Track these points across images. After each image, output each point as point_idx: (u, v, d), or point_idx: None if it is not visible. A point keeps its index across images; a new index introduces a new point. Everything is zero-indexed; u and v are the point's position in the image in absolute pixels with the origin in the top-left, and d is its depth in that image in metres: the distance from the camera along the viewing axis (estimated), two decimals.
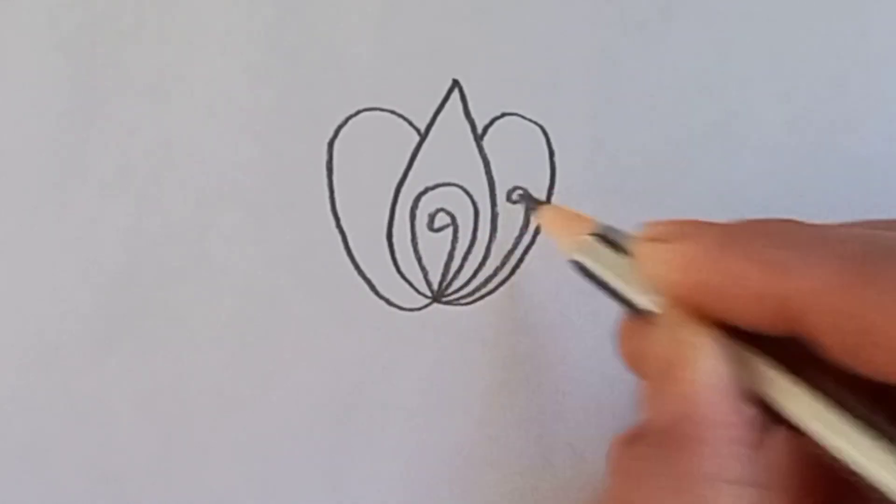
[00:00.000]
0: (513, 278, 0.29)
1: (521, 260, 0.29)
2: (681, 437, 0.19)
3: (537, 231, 0.29)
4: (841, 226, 0.20)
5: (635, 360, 0.22)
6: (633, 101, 0.28)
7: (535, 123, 0.29)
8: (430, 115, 0.29)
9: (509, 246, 0.29)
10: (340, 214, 0.29)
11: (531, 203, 0.28)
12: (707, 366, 0.19)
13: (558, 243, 0.25)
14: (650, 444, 0.20)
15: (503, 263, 0.29)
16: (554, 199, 0.29)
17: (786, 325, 0.19)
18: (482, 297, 0.29)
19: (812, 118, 0.28)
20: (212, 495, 0.30)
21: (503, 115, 0.29)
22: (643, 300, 0.22)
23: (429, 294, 0.29)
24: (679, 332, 0.20)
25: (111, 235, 0.29)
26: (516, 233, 0.29)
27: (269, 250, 0.29)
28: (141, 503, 0.30)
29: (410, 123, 0.29)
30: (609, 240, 0.23)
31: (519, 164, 0.29)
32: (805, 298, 0.18)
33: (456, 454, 0.29)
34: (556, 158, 0.29)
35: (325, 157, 0.29)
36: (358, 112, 0.29)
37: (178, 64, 0.28)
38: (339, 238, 0.29)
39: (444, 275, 0.29)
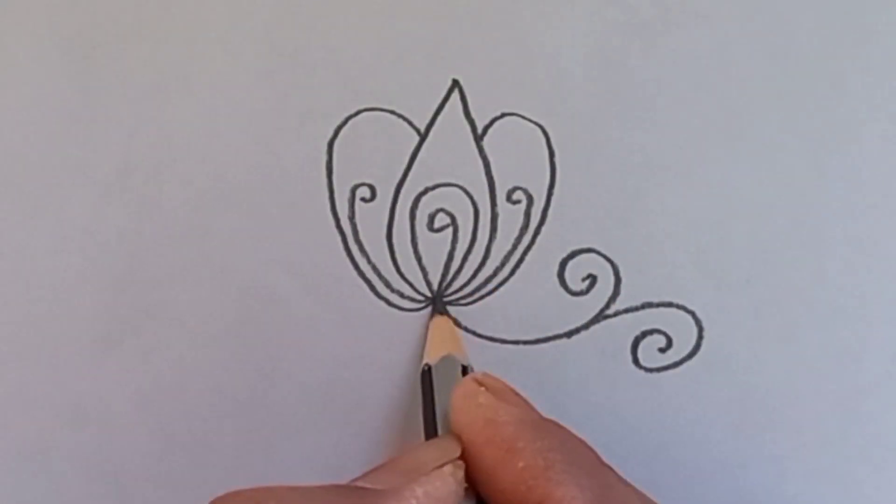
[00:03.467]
0: (513, 278, 0.29)
1: (521, 260, 0.29)
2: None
3: (537, 231, 0.29)
4: None
5: None
6: (633, 101, 0.28)
7: (535, 123, 0.29)
8: (430, 115, 0.29)
9: (509, 246, 0.29)
10: (340, 214, 0.29)
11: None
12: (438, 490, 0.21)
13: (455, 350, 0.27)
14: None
15: (503, 263, 0.29)
16: (554, 199, 0.29)
17: None
18: (482, 297, 0.29)
19: (812, 118, 0.28)
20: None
21: (503, 115, 0.29)
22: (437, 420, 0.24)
23: (429, 294, 0.29)
24: (441, 455, 0.22)
25: (111, 235, 0.29)
26: (516, 233, 0.29)
27: (269, 250, 0.29)
28: (141, 503, 0.30)
29: (410, 123, 0.29)
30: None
31: (519, 164, 0.29)
32: None
33: None
34: (556, 158, 0.29)
35: (325, 157, 0.29)
36: (358, 112, 0.28)
37: (178, 64, 0.28)
38: (338, 238, 0.29)
39: (444, 275, 0.29)
